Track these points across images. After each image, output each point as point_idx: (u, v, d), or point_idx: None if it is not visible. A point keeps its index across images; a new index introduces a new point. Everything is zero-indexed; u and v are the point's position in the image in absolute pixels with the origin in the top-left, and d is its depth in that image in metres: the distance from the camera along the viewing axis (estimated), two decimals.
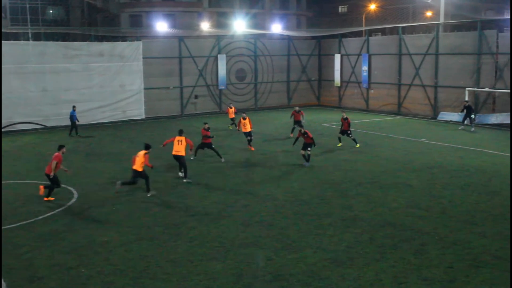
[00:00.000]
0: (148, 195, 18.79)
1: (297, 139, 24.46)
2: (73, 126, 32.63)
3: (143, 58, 39.92)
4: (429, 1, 50.48)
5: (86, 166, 24.01)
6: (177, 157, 20.97)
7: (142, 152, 18.83)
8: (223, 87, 44.60)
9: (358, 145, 27.55)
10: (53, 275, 12.24)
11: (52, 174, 18.23)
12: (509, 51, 34.98)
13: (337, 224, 15.51)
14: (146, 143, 19.38)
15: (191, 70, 43.04)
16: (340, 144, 27.71)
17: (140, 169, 18.68)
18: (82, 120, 36.66)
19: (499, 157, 25.06)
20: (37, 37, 48.58)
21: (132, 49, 39.51)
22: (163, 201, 18.23)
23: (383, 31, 61.50)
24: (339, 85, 47.92)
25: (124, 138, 32.08)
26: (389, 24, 57.30)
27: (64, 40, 42.11)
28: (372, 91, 45.05)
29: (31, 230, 15.31)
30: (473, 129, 33.35)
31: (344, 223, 15.64)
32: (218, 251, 13.51)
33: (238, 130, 28.40)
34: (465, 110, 33.64)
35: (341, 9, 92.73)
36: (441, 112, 38.80)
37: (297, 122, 31.50)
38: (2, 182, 20.51)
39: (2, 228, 15.28)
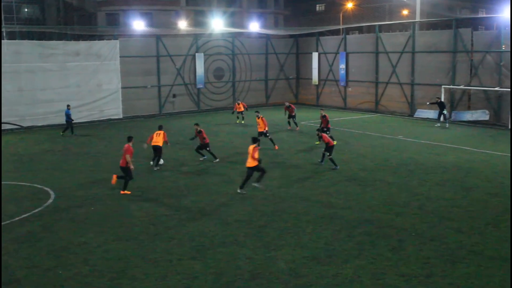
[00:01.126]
0: (257, 185, 18.75)
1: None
2: (69, 125, 32.44)
3: (120, 57, 39.61)
4: (405, 0, 50.95)
5: (63, 166, 23.78)
6: (155, 147, 22.51)
7: (251, 147, 18.73)
8: (201, 86, 44.50)
9: (335, 142, 27.67)
10: (30, 277, 12.11)
11: (130, 166, 18.67)
12: (483, 49, 35.51)
13: (316, 222, 15.59)
14: (253, 137, 19.48)
15: (169, 69, 42.87)
16: (318, 142, 27.82)
17: (254, 164, 18.57)
18: (59, 120, 36.36)
19: (474, 153, 25.42)
20: (12, 36, 47.85)
21: (109, 48, 39.18)
22: (141, 201, 18.13)
23: (360, 30, 62.02)
24: (317, 83, 48.13)
25: (101, 137, 31.80)
26: (366, 22, 57.67)
27: (39, 39, 41.59)
28: (349, 89, 45.34)
29: (8, 231, 15.09)
30: (447, 125, 33.84)
31: (322, 220, 15.72)
32: (197, 250, 13.49)
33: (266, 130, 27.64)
34: (437, 106, 34.28)
35: (319, 7, 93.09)
36: (418, 110, 39.20)
37: (292, 117, 33.50)
38: None
39: None
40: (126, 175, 18.92)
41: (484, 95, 35.55)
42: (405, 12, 74.02)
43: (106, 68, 39.10)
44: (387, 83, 41.96)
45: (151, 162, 23.05)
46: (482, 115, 35.29)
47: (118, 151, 27.19)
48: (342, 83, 45.46)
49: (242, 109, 37.01)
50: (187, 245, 13.85)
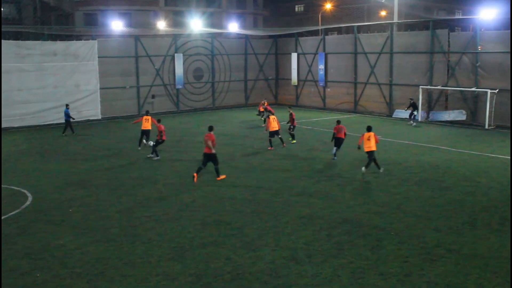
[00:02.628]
0: (364, 170, 21.11)
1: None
2: (68, 124, 32.38)
3: (98, 57, 39.22)
4: (383, 1, 51.34)
5: (40, 168, 23.49)
6: (145, 131, 27.06)
7: (372, 134, 21.47)
8: (180, 87, 44.33)
9: (294, 141, 28.46)
10: (6, 280, 11.93)
11: (212, 150, 20.43)
12: (460, 50, 35.97)
13: (295, 222, 15.62)
14: (368, 126, 22.24)
15: (148, 70, 42.62)
16: (292, 140, 28.18)
17: (374, 148, 21.34)
18: (36, 121, 35.98)
19: (451, 153, 25.71)
20: None
21: (87, 48, 38.80)
22: (119, 203, 17.99)
23: (339, 30, 62.32)
24: (296, 83, 48.27)
25: (79, 139, 31.48)
26: (344, 23, 58.02)
27: (16, 39, 41.13)
28: (328, 89, 45.55)
29: None
30: (414, 124, 34.83)
31: (301, 220, 15.76)
32: (177, 252, 13.42)
33: (266, 130, 27.69)
34: (411, 107, 35.20)
35: (298, 8, 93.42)
36: (396, 110, 39.53)
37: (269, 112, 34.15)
38: None
39: None
40: (214, 162, 20.67)
41: (461, 95, 35.99)
42: (383, 13, 74.63)
43: (84, 68, 38.70)
44: (365, 83, 42.25)
45: (144, 141, 27.27)
46: (459, 115, 35.72)
47: (96, 151, 27.11)
48: (321, 84, 45.66)
49: (262, 109, 36.78)
50: (166, 246, 13.78)
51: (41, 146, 29.09)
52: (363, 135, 21.62)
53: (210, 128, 21.31)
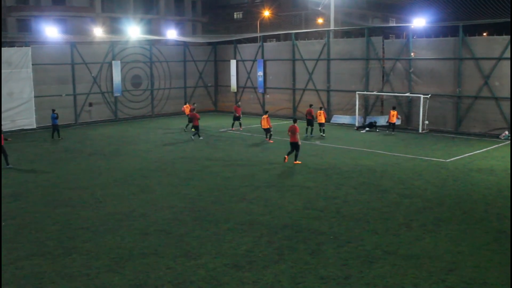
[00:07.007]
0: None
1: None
2: (55, 129, 33.36)
3: (32, 64, 38.11)
4: (320, 9, 52.22)
5: None
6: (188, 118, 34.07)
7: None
8: (119, 94, 43.64)
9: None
10: None
11: (299, 142, 24.60)
12: (394, 56, 37.07)
13: (236, 229, 15.63)
14: (393, 106, 29.73)
15: (85, 77, 41.73)
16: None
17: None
18: None
19: (387, 157, 26.41)
20: None
21: (20, 55, 37.59)
22: (55, 214, 17.48)
23: (277, 37, 62.99)
24: (235, 90, 48.44)
25: (13, 149, 30.38)
26: (283, 30, 58.70)
27: None
28: (267, 96, 45.93)
29: None
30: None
31: (242, 227, 15.79)
32: (116, 263, 13.16)
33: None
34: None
35: (236, 15, 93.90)
36: (334, 115, 40.28)
37: (237, 118, 36.52)
38: None
39: None
40: (296, 149, 24.44)
41: (396, 100, 37.06)
42: (320, 20, 75.98)
43: (17, 76, 37.48)
44: (304, 89, 42.86)
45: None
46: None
47: (31, 162, 26.25)
48: (260, 90, 46.00)
49: (324, 120, 33.12)
50: (106, 258, 13.49)
51: None
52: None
53: (295, 120, 25.23)
